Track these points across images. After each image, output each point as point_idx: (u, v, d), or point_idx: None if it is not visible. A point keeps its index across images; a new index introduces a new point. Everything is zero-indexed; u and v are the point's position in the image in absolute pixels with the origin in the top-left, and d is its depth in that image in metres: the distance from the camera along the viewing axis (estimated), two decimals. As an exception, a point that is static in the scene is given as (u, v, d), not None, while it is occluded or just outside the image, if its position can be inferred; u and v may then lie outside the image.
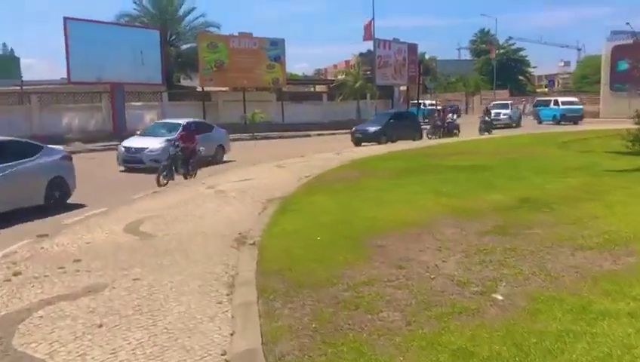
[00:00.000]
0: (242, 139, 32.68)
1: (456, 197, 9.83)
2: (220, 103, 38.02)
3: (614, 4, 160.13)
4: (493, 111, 38.49)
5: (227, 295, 5.69)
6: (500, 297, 5.12)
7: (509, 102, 49.21)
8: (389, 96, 45.88)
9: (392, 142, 25.16)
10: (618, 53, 51.96)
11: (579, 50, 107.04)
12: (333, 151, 21.09)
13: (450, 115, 33.13)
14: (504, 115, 42.74)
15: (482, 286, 5.40)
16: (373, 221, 8.27)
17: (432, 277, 5.77)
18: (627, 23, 54.61)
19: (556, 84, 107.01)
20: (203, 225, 8.98)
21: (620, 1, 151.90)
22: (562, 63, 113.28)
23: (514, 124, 43.06)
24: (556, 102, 47.46)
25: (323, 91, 46.84)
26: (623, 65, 51.67)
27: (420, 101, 53.02)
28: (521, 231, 7.31)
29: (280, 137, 35.74)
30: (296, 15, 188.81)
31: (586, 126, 38.03)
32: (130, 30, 34.76)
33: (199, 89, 38.41)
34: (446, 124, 30.60)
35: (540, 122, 46.55)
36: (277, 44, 40.01)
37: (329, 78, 70.89)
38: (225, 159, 20.58)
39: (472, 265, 6.04)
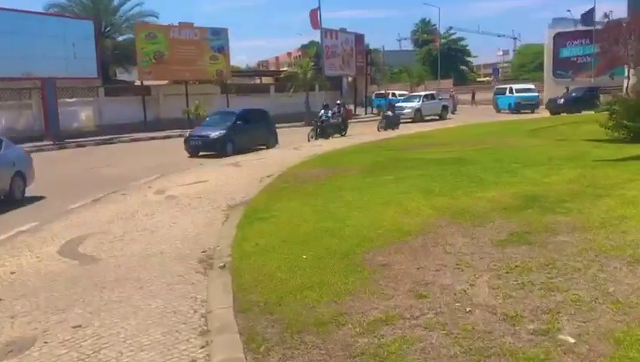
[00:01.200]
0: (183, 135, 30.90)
1: (448, 196, 8.61)
2: (161, 97, 35.89)
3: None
4: (398, 105, 35.23)
5: (202, 348, 4.24)
6: (570, 339, 3.87)
7: (433, 92, 45.28)
8: (338, 87, 44.67)
9: (239, 153, 19.18)
10: (560, 40, 52.41)
11: (514, 39, 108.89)
12: (290, 146, 19.68)
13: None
14: (409, 108, 37.75)
15: (539, 322, 4.14)
16: (363, 230, 6.94)
17: (467, 309, 4.48)
18: (568, 10, 55.45)
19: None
20: (157, 242, 7.43)
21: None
22: (501, 52, 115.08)
23: (437, 117, 39.66)
24: (510, 90, 45.72)
25: (270, 83, 45.12)
26: (565, 52, 52.30)
27: (388, 90, 52.03)
28: (547, 238, 6.12)
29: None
30: (232, 8, 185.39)
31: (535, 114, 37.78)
32: (61, 21, 31.93)
33: (138, 83, 36.11)
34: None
35: (498, 111, 45.10)
36: (219, 34, 38.14)
37: (272, 69, 69.39)
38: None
39: (512, 290, 4.78)
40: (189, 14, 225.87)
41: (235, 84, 41.45)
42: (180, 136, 24.73)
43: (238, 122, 20.93)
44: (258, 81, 48.17)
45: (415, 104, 38.96)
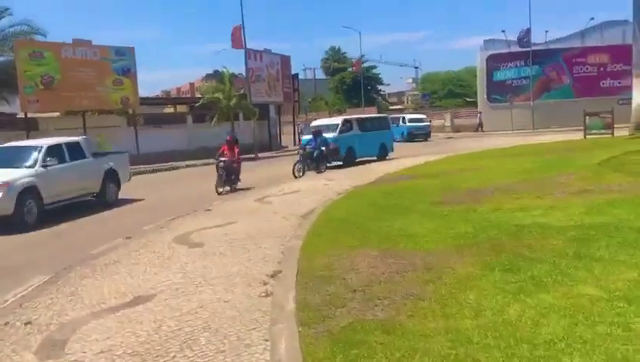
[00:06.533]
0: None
1: None
2: (52, 132, 28.39)
3: (432, 27, 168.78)
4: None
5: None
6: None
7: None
8: (265, 115, 38.81)
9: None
10: (493, 62, 49.69)
11: (416, 68, 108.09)
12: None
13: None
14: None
15: None
16: None
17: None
18: (502, 31, 53.06)
19: (407, 101, 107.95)
20: None
21: (439, 23, 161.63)
22: (411, 80, 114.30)
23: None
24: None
25: (185, 113, 38.43)
26: (499, 75, 49.62)
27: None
28: None
29: (136, 173, 27.21)
30: (129, 40, 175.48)
31: (494, 140, 33.60)
32: None
33: (21, 115, 28.64)
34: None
35: (394, 140, 42.18)
36: (125, 53, 31.32)
37: (188, 97, 62.16)
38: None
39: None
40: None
41: (144, 114, 34.54)
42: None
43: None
44: (172, 110, 41.26)
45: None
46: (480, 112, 48.80)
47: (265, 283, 6.18)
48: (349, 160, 23.05)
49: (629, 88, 45.26)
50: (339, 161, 22.53)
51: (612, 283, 4.83)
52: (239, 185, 16.96)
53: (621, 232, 6.45)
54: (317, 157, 20.49)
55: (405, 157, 23.68)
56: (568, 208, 8.26)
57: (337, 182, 16.25)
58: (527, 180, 12.06)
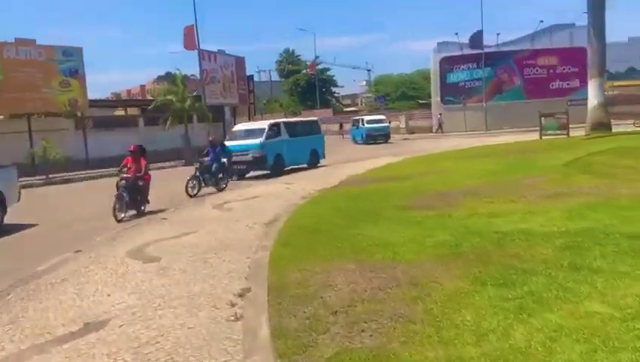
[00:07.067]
0: (34, 185, 22.82)
1: None
2: (-6, 136, 26.98)
3: (385, 30, 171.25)
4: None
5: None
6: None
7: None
8: (220, 118, 37.90)
9: None
10: (446, 65, 49.99)
11: (369, 70, 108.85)
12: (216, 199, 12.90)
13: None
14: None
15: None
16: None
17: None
18: (456, 34, 53.45)
19: (360, 103, 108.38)
20: None
21: (393, 26, 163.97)
22: (364, 83, 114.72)
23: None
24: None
25: (137, 115, 37.08)
26: (453, 77, 49.95)
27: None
28: None
29: (87, 177, 26.08)
30: (77, 40, 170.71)
31: (451, 141, 33.60)
32: None
33: (-41, 118, 27.14)
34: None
35: (355, 142, 42.61)
36: (72, 54, 30.10)
37: (140, 99, 60.24)
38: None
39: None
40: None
41: (94, 117, 33.14)
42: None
43: None
44: (122, 113, 39.77)
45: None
46: (440, 114, 48.86)
47: (233, 304, 5.56)
48: (277, 169, 20.60)
49: (578, 89, 46.73)
50: (265, 170, 20.44)
51: (620, 298, 4.42)
52: (149, 206, 13.36)
53: (611, 239, 6.10)
54: (216, 172, 16.83)
55: (363, 160, 23.23)
56: (547, 213, 7.93)
57: (299, 185, 15.71)
58: (494, 183, 11.77)
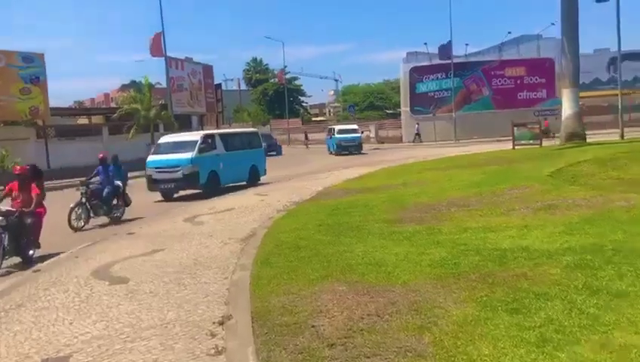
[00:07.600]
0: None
1: None
2: (-51, 146, 25.68)
3: (354, 40, 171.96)
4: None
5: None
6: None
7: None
8: (187, 126, 37.02)
9: None
10: (415, 75, 50.00)
11: (336, 80, 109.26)
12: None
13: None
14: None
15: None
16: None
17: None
18: (425, 43, 53.64)
19: (329, 113, 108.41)
20: None
21: (361, 37, 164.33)
22: (332, 92, 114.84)
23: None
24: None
25: (101, 124, 35.96)
26: (422, 87, 49.97)
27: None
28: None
29: (48, 188, 24.73)
30: (40, 47, 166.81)
31: (423, 151, 33.42)
32: None
33: None
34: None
35: (330, 152, 40.58)
36: (33, 60, 29.00)
37: (104, 107, 58.57)
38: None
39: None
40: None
41: (56, 126, 31.96)
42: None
43: None
44: (86, 122, 38.55)
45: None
46: (418, 123, 48.30)
47: (213, 335, 4.94)
48: (212, 187, 17.85)
49: (545, 100, 47.33)
50: (197, 188, 17.93)
51: None
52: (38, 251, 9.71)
53: (623, 257, 5.68)
54: (108, 198, 13.47)
55: (339, 170, 22.74)
56: (544, 227, 7.49)
57: (273, 197, 15.08)
58: (480, 194, 11.34)
